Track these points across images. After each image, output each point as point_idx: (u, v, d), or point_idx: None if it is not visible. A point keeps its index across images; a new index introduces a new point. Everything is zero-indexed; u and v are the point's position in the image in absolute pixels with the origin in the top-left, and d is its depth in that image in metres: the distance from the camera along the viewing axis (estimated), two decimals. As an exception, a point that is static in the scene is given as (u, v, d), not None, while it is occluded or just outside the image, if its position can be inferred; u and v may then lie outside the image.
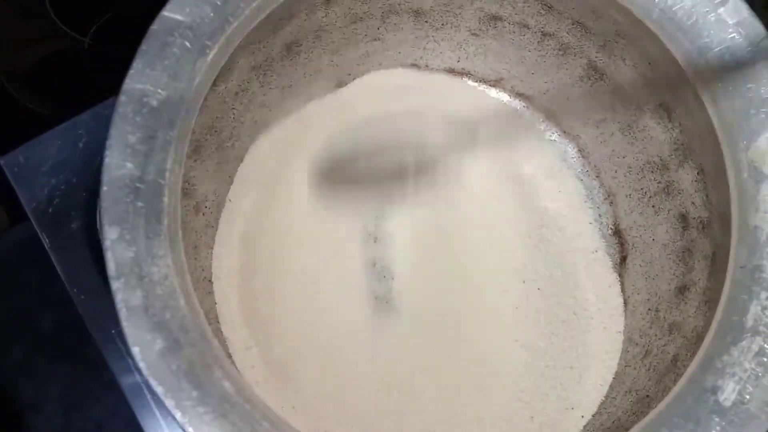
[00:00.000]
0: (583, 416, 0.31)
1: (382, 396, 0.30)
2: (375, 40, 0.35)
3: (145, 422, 0.33)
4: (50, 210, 0.34)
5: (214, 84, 0.28)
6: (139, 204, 0.22)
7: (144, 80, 0.22)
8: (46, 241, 0.34)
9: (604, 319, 0.33)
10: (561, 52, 0.34)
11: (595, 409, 0.31)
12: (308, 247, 0.33)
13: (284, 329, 0.30)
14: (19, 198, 0.35)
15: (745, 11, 0.26)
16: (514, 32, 0.34)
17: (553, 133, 0.37)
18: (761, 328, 0.22)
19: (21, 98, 0.44)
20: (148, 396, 0.33)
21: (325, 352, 0.31)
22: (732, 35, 0.26)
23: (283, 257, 0.32)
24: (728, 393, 0.21)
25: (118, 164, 0.22)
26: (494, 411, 0.31)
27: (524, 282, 0.33)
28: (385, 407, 0.30)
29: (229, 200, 0.33)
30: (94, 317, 0.33)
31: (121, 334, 0.33)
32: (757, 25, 0.26)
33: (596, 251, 0.35)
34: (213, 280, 0.31)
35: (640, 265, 0.33)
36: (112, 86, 0.23)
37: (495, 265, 0.34)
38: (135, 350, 0.20)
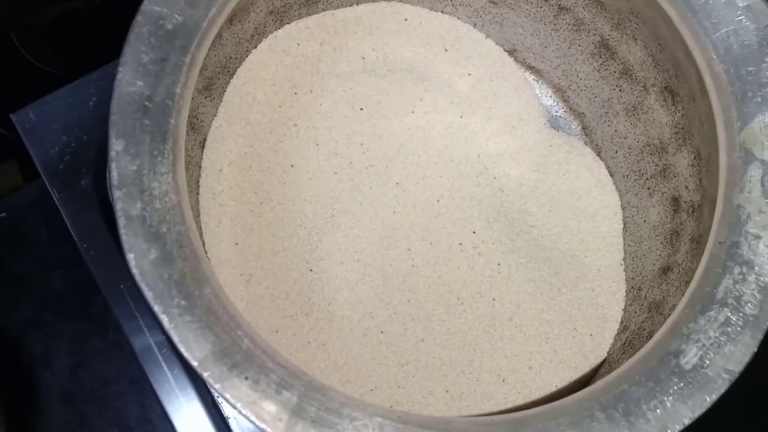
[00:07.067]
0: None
1: (372, 323, 0.31)
2: (394, -1, 0.35)
3: (156, 381, 0.33)
4: (61, 167, 0.34)
5: (231, 22, 0.29)
6: (146, 122, 0.22)
7: (161, 3, 0.23)
8: (56, 198, 0.34)
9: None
10: (575, 28, 0.34)
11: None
12: (309, 182, 0.33)
13: (276, 263, 0.31)
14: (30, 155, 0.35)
15: (756, -5, 0.26)
16: (531, 3, 0.35)
17: (559, 109, 0.38)
18: (730, 301, 0.23)
19: (33, 58, 0.44)
20: (159, 356, 0.33)
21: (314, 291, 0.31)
22: (740, 18, 0.26)
23: (277, 193, 0.32)
24: (690, 357, 0.22)
25: (130, 81, 0.22)
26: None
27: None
28: (374, 336, 0.30)
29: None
30: (103, 273, 0.34)
31: (131, 291, 0.33)
32: (766, 10, 0.26)
33: None
34: (201, 203, 0.31)
35: (629, 245, 0.34)
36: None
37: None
38: (129, 257, 0.21)
